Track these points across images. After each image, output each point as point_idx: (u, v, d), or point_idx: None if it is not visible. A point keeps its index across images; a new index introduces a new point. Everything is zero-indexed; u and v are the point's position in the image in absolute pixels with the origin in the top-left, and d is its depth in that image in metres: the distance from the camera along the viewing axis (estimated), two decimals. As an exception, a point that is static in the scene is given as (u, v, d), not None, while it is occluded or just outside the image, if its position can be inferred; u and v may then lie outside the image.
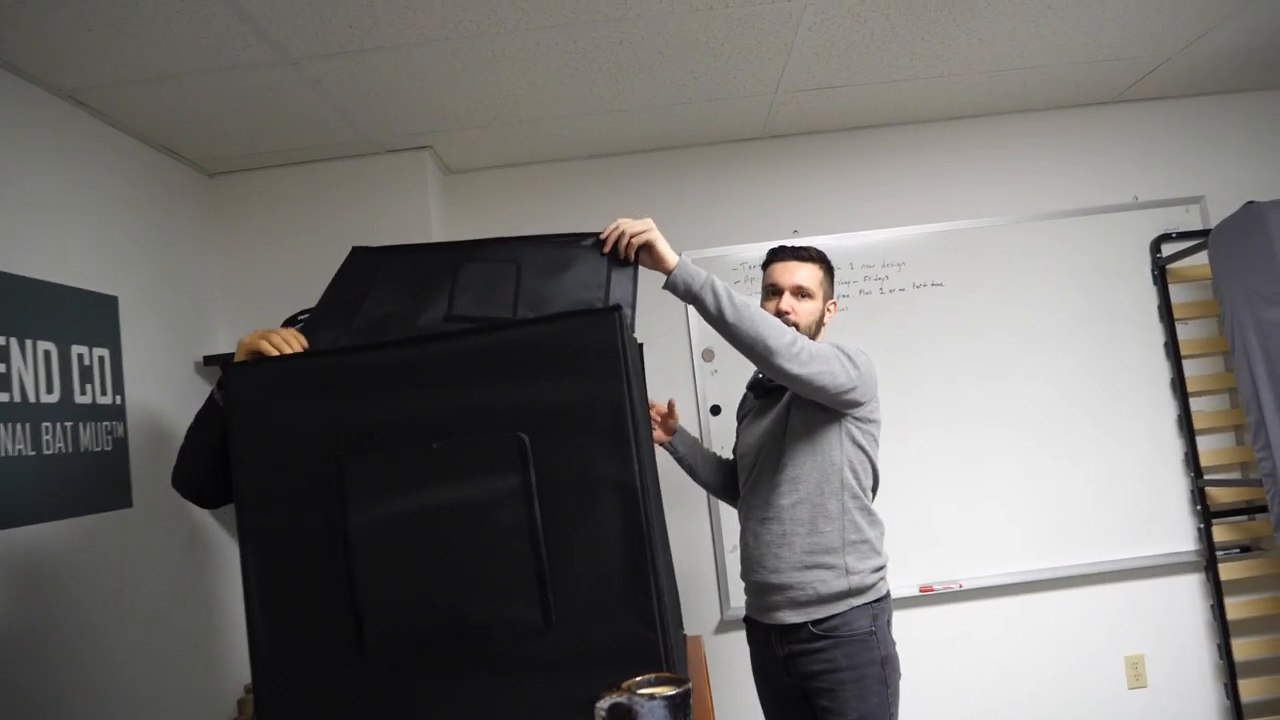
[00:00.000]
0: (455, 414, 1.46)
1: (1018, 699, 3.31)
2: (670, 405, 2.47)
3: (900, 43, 2.70)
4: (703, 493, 3.05)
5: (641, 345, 1.58)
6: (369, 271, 1.82)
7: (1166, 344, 3.39)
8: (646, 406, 1.71)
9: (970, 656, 3.32)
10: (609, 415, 1.46)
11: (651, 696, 1.17)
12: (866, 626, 2.08)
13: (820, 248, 2.32)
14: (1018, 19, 2.63)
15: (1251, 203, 2.87)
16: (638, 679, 1.24)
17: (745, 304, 1.85)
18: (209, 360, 2.93)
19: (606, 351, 1.47)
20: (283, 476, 1.48)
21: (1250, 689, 3.28)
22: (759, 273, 2.36)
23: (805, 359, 1.90)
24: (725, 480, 2.50)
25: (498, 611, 1.42)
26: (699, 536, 3.34)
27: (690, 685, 1.21)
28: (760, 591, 2.18)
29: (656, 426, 2.41)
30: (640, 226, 1.78)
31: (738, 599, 3.02)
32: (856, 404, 2.08)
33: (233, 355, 1.64)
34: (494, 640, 1.42)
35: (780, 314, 2.16)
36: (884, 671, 2.07)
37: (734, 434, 2.45)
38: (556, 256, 1.79)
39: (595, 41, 2.48)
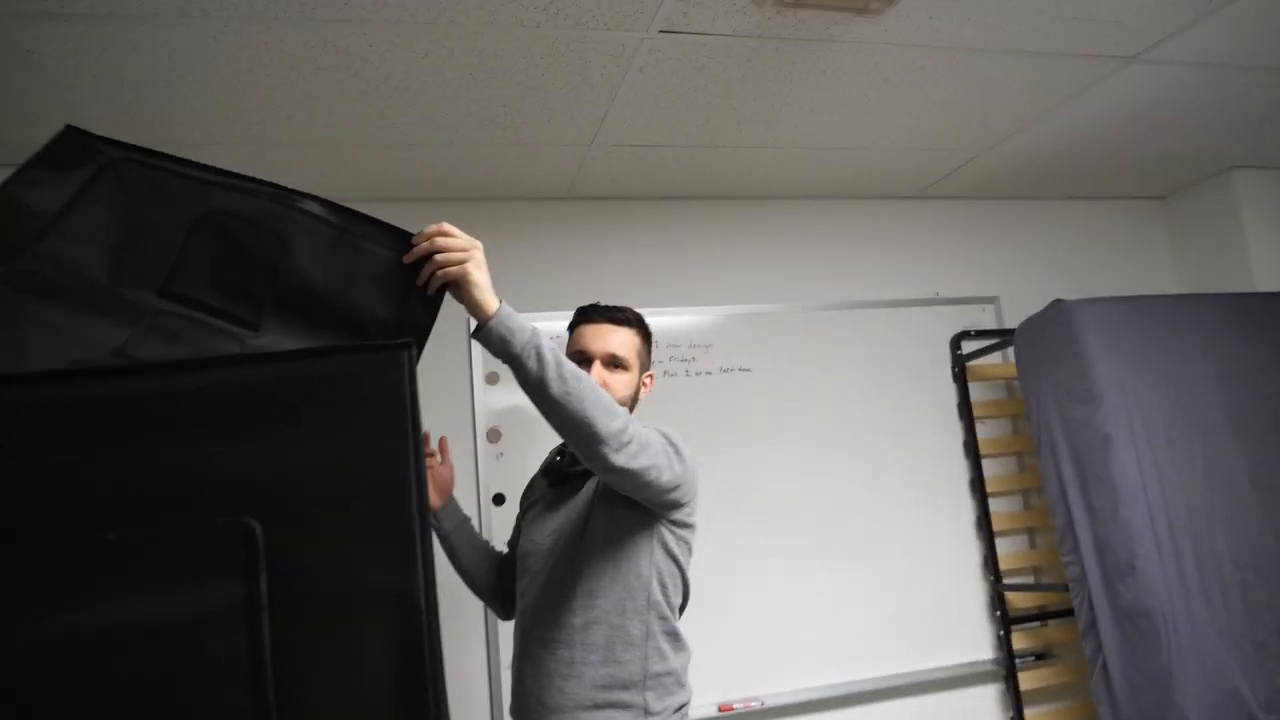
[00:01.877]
0: (146, 486, 0.97)
1: (823, 828, 3.01)
2: (442, 444, 2.01)
3: (731, 100, 2.49)
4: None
5: (412, 343, 1.15)
6: (74, 175, 1.24)
7: (966, 442, 3.33)
8: (428, 486, 1.26)
9: (773, 783, 2.99)
10: (385, 497, 1.01)
11: None
12: None
13: None
14: (851, 89, 2.50)
15: (1059, 300, 2.87)
16: None
17: (575, 374, 1.47)
18: None
19: (388, 404, 1.03)
20: None
21: (1047, 805, 3.16)
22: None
23: (634, 450, 1.54)
24: (494, 580, 2.04)
25: (192, 801, 0.91)
26: (468, 641, 2.83)
27: None
28: None
29: None
30: (459, 252, 1.36)
31: None
32: (678, 505, 1.73)
33: None
34: None
35: None
36: None
37: (514, 526, 2.04)
38: (344, 242, 1.32)
39: (394, 47, 2.07)
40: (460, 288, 1.38)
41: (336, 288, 1.30)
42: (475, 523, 2.77)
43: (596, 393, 1.49)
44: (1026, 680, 3.18)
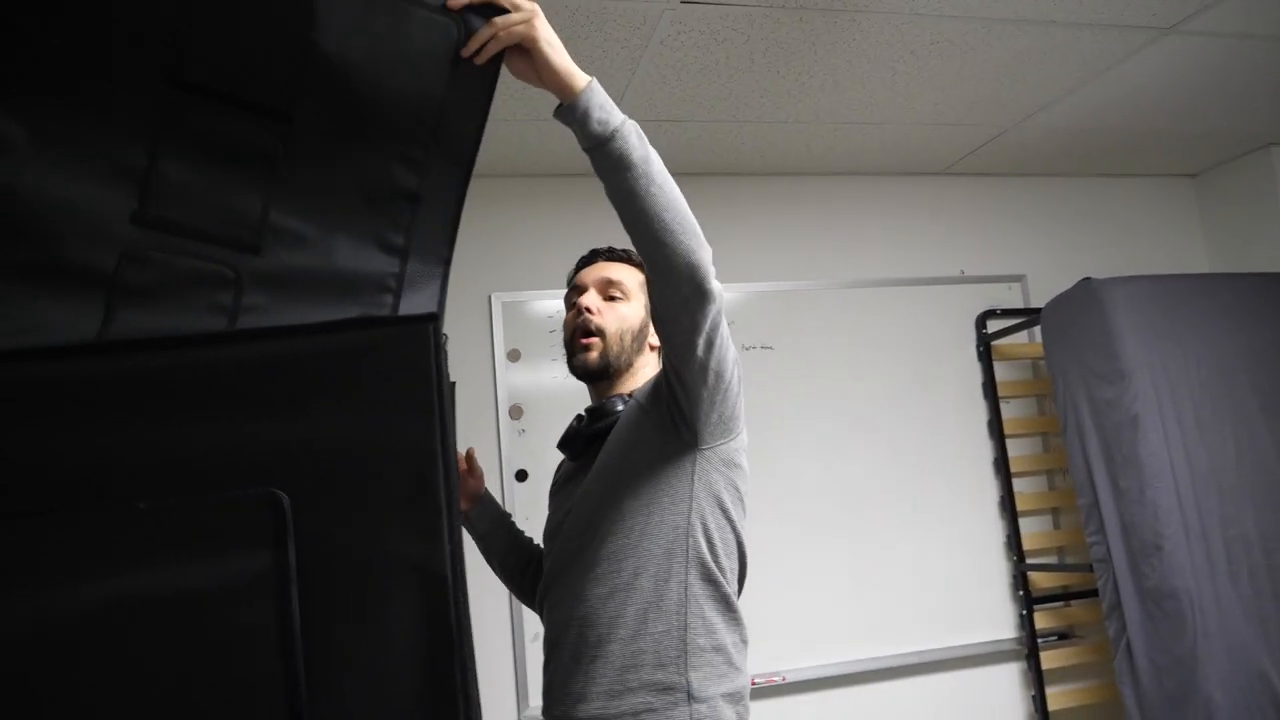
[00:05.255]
0: (175, 459, 0.96)
1: (843, 805, 3.02)
2: (469, 456, 1.79)
3: (754, 73, 2.46)
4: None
5: (454, 384, 1.10)
6: None
7: (990, 422, 3.30)
8: (456, 460, 1.07)
9: (793, 759, 3.00)
10: (411, 471, 1.00)
11: None
12: None
13: None
14: (877, 61, 2.46)
15: (1087, 279, 2.83)
16: None
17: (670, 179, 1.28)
18: None
19: (414, 378, 1.02)
20: None
21: (1068, 784, 3.16)
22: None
23: (717, 291, 1.32)
24: (534, 578, 1.76)
25: (223, 765, 0.92)
26: (492, 612, 2.84)
27: None
28: None
29: None
30: (518, 13, 1.13)
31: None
32: (727, 430, 1.46)
33: None
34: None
35: (579, 314, 1.54)
36: None
37: (543, 510, 1.80)
38: (376, 12, 1.09)
39: None
40: (531, 50, 1.16)
41: (377, 65, 1.10)
42: (499, 499, 2.78)
43: (688, 209, 1.30)
44: (1049, 659, 3.16)
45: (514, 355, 2.96)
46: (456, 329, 2.89)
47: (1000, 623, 3.22)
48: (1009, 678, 3.23)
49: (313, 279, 1.11)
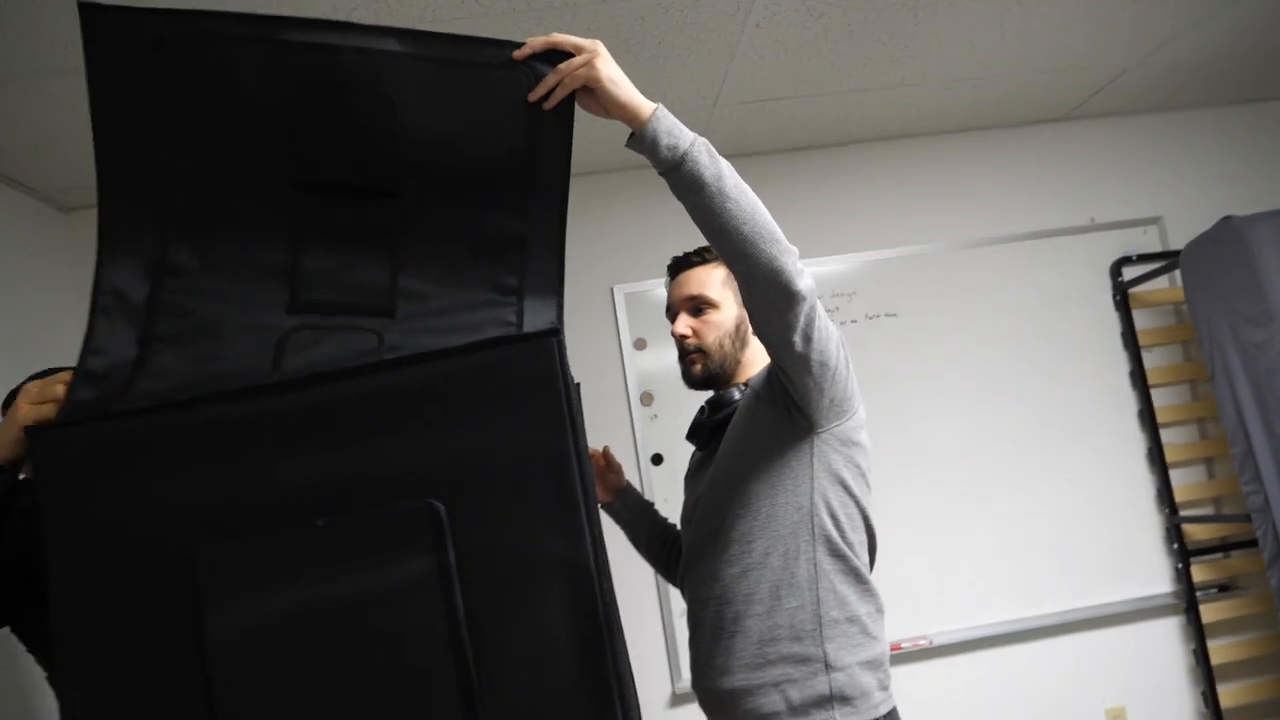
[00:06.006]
0: (343, 480, 1.09)
1: (998, 765, 3.02)
2: (606, 453, 1.88)
3: (854, 43, 2.45)
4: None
5: (579, 385, 1.19)
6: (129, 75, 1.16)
7: (1132, 373, 3.19)
8: (589, 458, 1.18)
9: (944, 718, 3.00)
10: (549, 473, 1.11)
11: None
12: None
13: None
14: (983, 16, 2.41)
15: (1229, 217, 2.69)
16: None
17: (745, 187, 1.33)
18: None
19: (544, 390, 1.12)
20: (112, 580, 1.08)
21: (1238, 739, 3.05)
22: None
23: (807, 280, 1.36)
24: (676, 559, 1.84)
25: (409, 742, 1.04)
26: (640, 589, 2.96)
27: None
28: (712, 705, 1.56)
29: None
30: (581, 53, 1.21)
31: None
32: (841, 410, 1.49)
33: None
34: (404, 783, 1.04)
35: (679, 341, 1.64)
36: None
37: (681, 491, 1.90)
38: (448, 75, 1.21)
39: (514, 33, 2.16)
40: (595, 90, 1.23)
41: (459, 135, 1.21)
42: (637, 483, 2.89)
43: (768, 215, 1.34)
44: (1209, 613, 3.06)
45: (640, 344, 3.06)
46: (583, 323, 2.99)
47: (1155, 578, 3.13)
48: (1168, 632, 3.14)
49: (442, 329, 1.23)
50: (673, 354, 1.72)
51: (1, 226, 2.47)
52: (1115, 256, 3.24)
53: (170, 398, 1.14)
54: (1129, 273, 3.20)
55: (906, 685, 3.00)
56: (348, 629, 1.07)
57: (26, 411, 1.14)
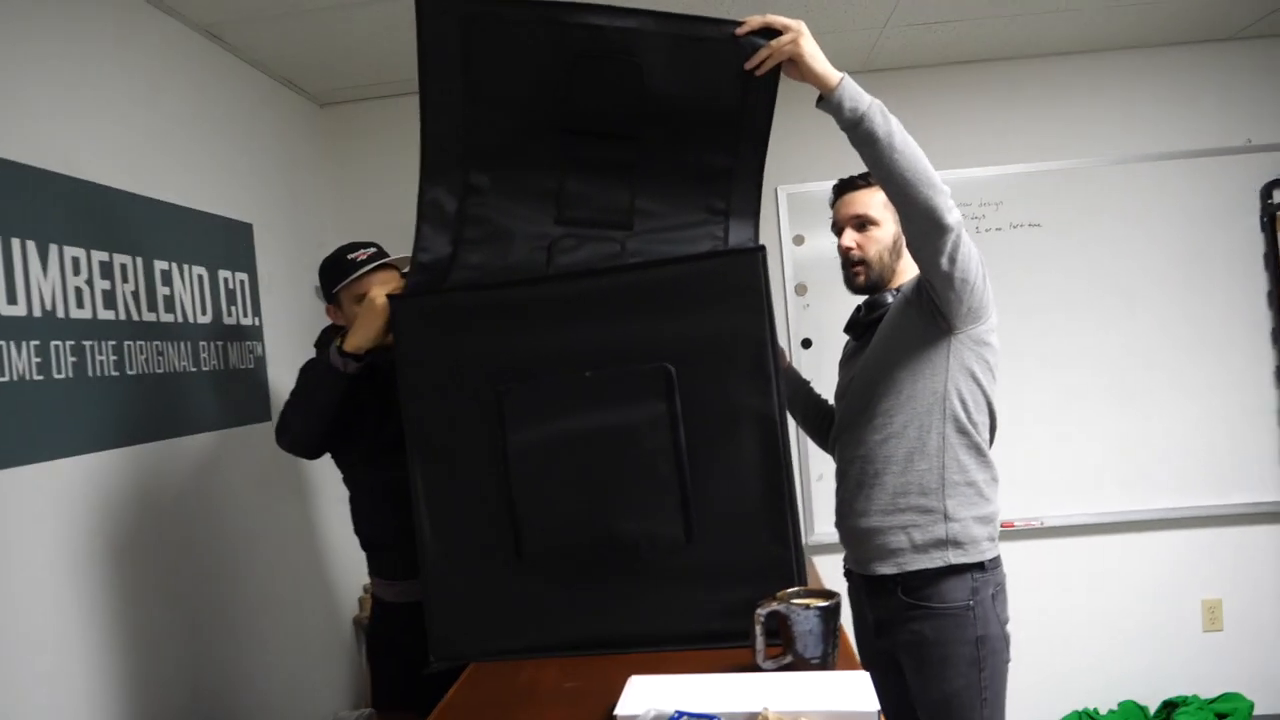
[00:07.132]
0: (605, 346, 1.56)
1: (1094, 636, 3.39)
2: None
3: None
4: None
5: (764, 247, 1.60)
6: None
7: (1270, 292, 3.33)
8: (779, 343, 1.60)
9: (1047, 594, 3.37)
10: (751, 351, 1.54)
11: (806, 606, 1.27)
12: (963, 599, 1.80)
13: None
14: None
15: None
16: (789, 591, 1.34)
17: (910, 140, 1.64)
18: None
19: (749, 291, 1.55)
20: (446, 404, 1.60)
21: (1328, 636, 3.30)
22: None
23: (958, 217, 1.68)
24: (826, 427, 2.21)
25: (643, 527, 1.54)
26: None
27: (839, 598, 1.31)
28: (850, 540, 1.96)
29: None
30: (788, 32, 1.55)
31: (821, 525, 3.16)
32: (976, 316, 1.80)
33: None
34: (639, 553, 1.54)
35: (844, 253, 1.96)
36: (978, 652, 1.79)
37: (825, 371, 2.29)
38: (682, 48, 1.58)
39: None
40: (798, 62, 1.57)
41: (689, 92, 1.59)
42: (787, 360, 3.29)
43: (927, 163, 1.64)
44: (1314, 522, 3.27)
45: (798, 240, 3.42)
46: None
47: (1265, 486, 3.34)
48: (1269, 537, 3.37)
49: (668, 240, 1.66)
50: (827, 250, 2.06)
51: (275, 117, 3.01)
52: (1268, 179, 3.33)
53: (479, 283, 1.63)
54: (1279, 195, 3.30)
55: (1017, 559, 3.38)
56: (604, 449, 1.56)
57: (378, 292, 1.69)
